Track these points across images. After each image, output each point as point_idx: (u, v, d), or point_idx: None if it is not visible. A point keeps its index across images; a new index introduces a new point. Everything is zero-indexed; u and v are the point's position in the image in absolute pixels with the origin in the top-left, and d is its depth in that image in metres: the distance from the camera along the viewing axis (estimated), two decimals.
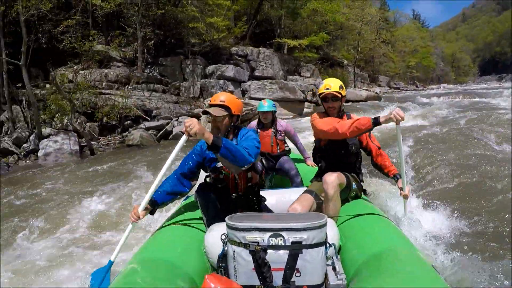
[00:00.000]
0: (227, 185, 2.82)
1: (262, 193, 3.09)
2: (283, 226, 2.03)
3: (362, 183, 3.23)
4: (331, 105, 3.09)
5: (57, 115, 11.11)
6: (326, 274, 2.12)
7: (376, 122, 2.69)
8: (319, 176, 3.18)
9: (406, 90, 42.97)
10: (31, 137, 10.60)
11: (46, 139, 10.33)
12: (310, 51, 24.69)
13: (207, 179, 2.95)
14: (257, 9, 21.67)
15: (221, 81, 16.30)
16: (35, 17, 11.86)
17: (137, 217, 2.50)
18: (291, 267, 2.00)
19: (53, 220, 5.09)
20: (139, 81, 13.87)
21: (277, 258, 2.01)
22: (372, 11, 35.65)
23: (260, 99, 15.24)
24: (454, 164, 5.91)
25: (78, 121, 10.68)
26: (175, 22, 16.21)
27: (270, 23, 24.33)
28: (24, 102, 11.41)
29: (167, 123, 11.52)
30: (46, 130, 10.76)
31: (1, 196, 6.42)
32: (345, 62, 34.43)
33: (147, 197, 2.48)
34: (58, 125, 11.13)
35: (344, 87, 3.14)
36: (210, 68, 16.97)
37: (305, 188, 3.22)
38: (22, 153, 10.25)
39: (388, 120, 2.64)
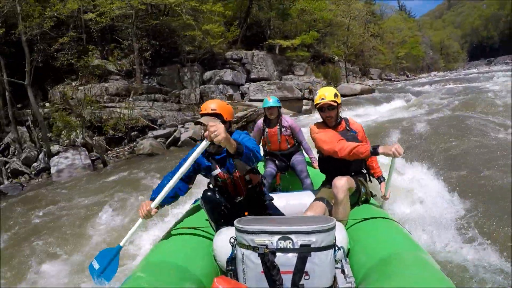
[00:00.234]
0: (227, 191, 2.86)
1: (276, 194, 3.21)
2: (291, 229, 2.05)
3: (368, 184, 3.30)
4: (328, 115, 3.15)
5: (63, 132, 11.27)
6: (335, 277, 2.15)
7: (374, 152, 2.79)
8: (327, 183, 3.24)
9: (398, 81, 43.59)
10: (40, 156, 10.83)
11: (56, 157, 10.54)
12: (301, 50, 25.11)
13: (210, 185, 3.01)
14: (247, 12, 22.08)
15: (220, 86, 16.66)
16: (38, 36, 12.13)
17: (149, 214, 2.59)
18: (300, 270, 2.02)
19: (72, 238, 5.16)
20: (142, 92, 14.16)
21: (286, 261, 2.03)
22: (358, 5, 36.37)
23: (260, 101, 15.74)
24: (454, 154, 6.15)
25: (87, 135, 10.99)
26: (169, 32, 16.53)
27: (259, 25, 24.76)
28: (30, 121, 11.70)
29: (174, 130, 11.81)
30: (54, 148, 10.98)
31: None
32: (336, 58, 34.81)
33: (160, 196, 2.56)
34: (66, 141, 11.31)
35: (339, 95, 3.19)
36: (208, 74, 17.34)
37: (314, 191, 3.38)
38: (33, 172, 10.42)
39: (386, 154, 2.74)
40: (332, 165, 3.20)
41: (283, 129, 4.46)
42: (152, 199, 2.65)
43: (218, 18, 18.25)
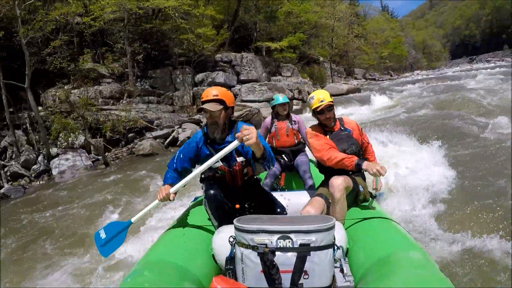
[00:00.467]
0: (225, 182, 2.94)
1: (274, 194, 3.29)
2: (291, 228, 2.09)
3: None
4: (328, 116, 3.25)
5: (61, 135, 11.57)
6: (334, 277, 2.20)
7: (358, 168, 2.96)
8: (326, 183, 3.30)
9: (382, 80, 44.58)
10: (39, 158, 11.08)
11: (55, 159, 10.87)
12: (288, 51, 25.85)
13: (204, 176, 3.04)
14: (234, 15, 22.63)
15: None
16: (39, 39, 12.40)
17: (167, 197, 2.64)
18: (299, 269, 2.06)
19: (81, 239, 5.29)
20: (140, 94, 14.58)
21: (285, 260, 2.07)
22: (343, 7, 37.40)
23: (251, 101, 16.40)
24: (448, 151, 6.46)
25: (89, 136, 11.39)
26: (160, 35, 16.95)
27: (246, 28, 25.35)
28: (27, 124, 12.03)
29: (172, 131, 12.29)
30: (52, 150, 11.27)
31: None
32: (321, 58, 35.70)
33: (182, 182, 2.63)
34: (64, 144, 11.62)
35: (331, 96, 3.38)
36: (200, 76, 17.83)
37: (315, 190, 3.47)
38: (33, 175, 10.66)
39: (369, 172, 2.92)
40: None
41: (292, 123, 4.62)
42: (170, 185, 2.73)
43: (207, 21, 18.77)
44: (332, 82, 32.40)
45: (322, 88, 26.92)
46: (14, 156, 11.51)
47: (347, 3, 45.21)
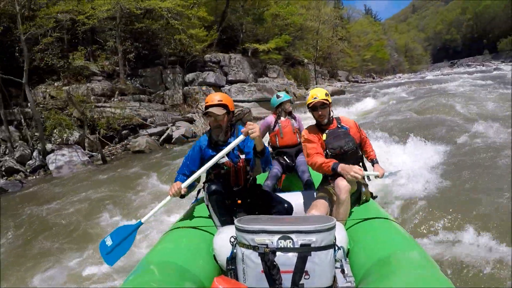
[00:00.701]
0: (228, 179, 3.10)
1: (279, 195, 3.38)
2: (292, 229, 2.12)
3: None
4: (320, 113, 3.31)
5: (55, 131, 11.88)
6: (334, 277, 2.22)
7: (334, 171, 3.04)
8: (326, 182, 3.43)
9: (365, 82, 45.71)
10: (34, 154, 11.36)
11: (51, 154, 11.16)
12: (273, 53, 26.60)
13: (206, 178, 3.24)
14: (222, 16, 23.31)
15: (204, 87, 17.77)
16: (40, 35, 12.65)
17: (178, 192, 2.82)
18: (300, 270, 2.09)
19: (82, 235, 5.40)
20: (135, 92, 15.02)
21: (286, 261, 2.10)
22: (328, 10, 38.64)
23: (241, 101, 17.08)
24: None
25: (88, 132, 11.80)
26: (151, 34, 17.41)
27: (233, 29, 26.07)
28: (22, 120, 12.35)
29: (167, 129, 12.83)
30: (47, 146, 11.52)
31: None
32: (305, 60, 36.83)
33: (193, 177, 2.83)
34: (58, 140, 11.89)
35: (329, 95, 3.41)
36: (190, 76, 18.42)
37: (315, 191, 3.55)
38: (28, 170, 10.92)
39: (343, 176, 2.98)
40: (334, 158, 3.28)
41: (295, 121, 4.67)
42: (181, 181, 2.94)
43: (195, 21, 19.26)
44: (316, 84, 33.44)
45: (306, 89, 27.92)
46: (8, 151, 11.75)
47: (332, 6, 46.59)
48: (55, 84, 14.96)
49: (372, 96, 19.68)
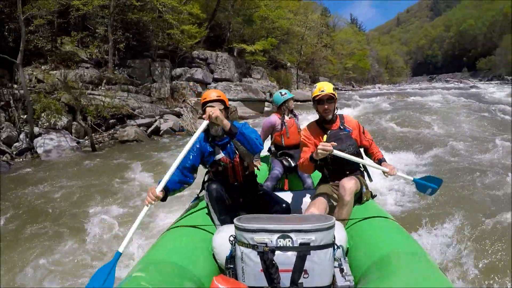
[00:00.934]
0: (226, 176, 3.16)
1: (277, 194, 3.45)
2: (291, 227, 2.15)
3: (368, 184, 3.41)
4: (326, 107, 3.23)
5: (43, 114, 11.96)
6: (333, 276, 2.26)
7: (313, 160, 3.05)
8: (325, 180, 3.43)
9: (345, 90, 47.35)
10: (21, 136, 11.42)
11: (39, 138, 11.27)
12: (259, 54, 27.37)
13: (205, 177, 3.32)
14: (213, 14, 23.97)
15: (191, 83, 18.38)
16: (40, 17, 12.92)
17: (155, 198, 2.58)
18: (299, 269, 2.12)
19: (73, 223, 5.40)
20: (127, 83, 15.39)
21: (285, 260, 2.13)
22: (315, 16, 39.83)
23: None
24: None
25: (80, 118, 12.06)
26: (143, 26, 17.83)
27: (220, 27, 26.73)
28: (11, 101, 12.49)
29: (155, 120, 13.34)
30: (34, 129, 11.57)
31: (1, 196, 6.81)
32: (288, 64, 37.90)
33: (164, 180, 2.66)
34: (45, 124, 11.96)
35: (335, 90, 3.34)
36: (178, 71, 18.96)
37: (314, 190, 3.53)
38: (15, 152, 10.96)
39: (317, 155, 2.92)
40: (329, 161, 3.29)
41: (297, 119, 4.72)
42: (164, 189, 2.77)
43: (185, 17, 19.73)
44: (298, 88, 34.48)
45: None
46: None
47: (319, 13, 47.92)
48: (42, 67, 15.00)
49: (352, 105, 20.51)
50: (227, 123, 2.73)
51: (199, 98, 16.94)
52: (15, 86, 13.77)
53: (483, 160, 7.34)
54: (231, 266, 2.37)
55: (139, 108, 14.25)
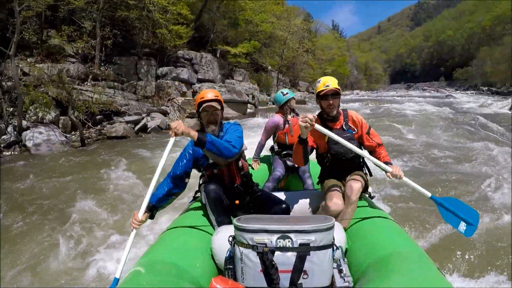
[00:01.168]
0: (223, 178, 3.17)
1: (277, 194, 3.43)
2: (291, 228, 2.18)
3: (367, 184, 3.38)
4: (331, 102, 3.16)
5: (31, 108, 12.15)
6: (332, 277, 2.28)
7: (300, 139, 2.96)
8: (326, 177, 3.42)
9: None
10: (9, 129, 11.52)
11: (28, 131, 11.42)
12: (241, 57, 28.07)
13: (200, 180, 3.33)
14: (198, 15, 24.57)
15: (177, 83, 18.94)
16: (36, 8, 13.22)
17: (139, 223, 2.65)
18: (298, 269, 2.15)
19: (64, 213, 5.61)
20: (116, 80, 15.80)
21: (284, 260, 2.16)
22: (298, 21, 41.02)
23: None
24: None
25: (53, 113, 12.36)
26: (131, 23, 18.28)
27: (204, 28, 27.29)
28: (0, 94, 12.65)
29: (142, 118, 13.87)
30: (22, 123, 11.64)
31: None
32: (269, 67, 38.83)
33: (145, 202, 2.68)
34: (33, 117, 12.13)
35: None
36: (164, 70, 19.49)
37: (315, 190, 3.65)
38: (3, 145, 11.07)
39: (301, 129, 2.87)
40: (329, 159, 3.33)
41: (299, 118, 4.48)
42: (150, 208, 2.85)
43: (171, 17, 20.19)
44: (277, 91, 35.19)
45: (268, 95, 29.71)
46: None
47: (302, 19, 49.17)
48: (28, 60, 15.08)
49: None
50: (194, 134, 2.66)
51: (186, 98, 17.63)
52: (0, 77, 14.03)
53: (462, 163, 7.97)
54: (230, 266, 2.40)
55: (126, 105, 14.70)
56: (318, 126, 2.83)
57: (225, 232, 2.55)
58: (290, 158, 4.48)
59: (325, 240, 2.20)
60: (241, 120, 17.13)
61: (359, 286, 2.24)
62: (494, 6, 76.90)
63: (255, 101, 22.09)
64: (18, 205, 6.13)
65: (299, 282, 2.18)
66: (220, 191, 2.96)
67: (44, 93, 12.43)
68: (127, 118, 13.78)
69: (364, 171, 3.40)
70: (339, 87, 3.21)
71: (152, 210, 2.87)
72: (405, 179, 2.91)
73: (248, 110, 20.13)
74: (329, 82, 3.17)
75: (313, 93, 48.63)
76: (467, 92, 60.32)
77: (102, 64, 17.54)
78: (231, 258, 2.39)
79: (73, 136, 12.59)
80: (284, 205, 3.08)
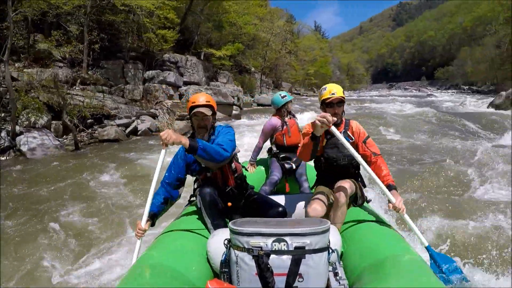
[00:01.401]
0: (216, 181, 3.20)
1: (274, 197, 3.47)
2: (286, 231, 2.22)
3: (364, 189, 3.38)
4: (337, 111, 3.20)
5: (23, 113, 12.38)
6: (328, 280, 2.33)
7: (312, 135, 2.91)
8: (322, 180, 3.47)
9: (306, 96, 49.80)
10: (2, 134, 11.79)
11: (21, 136, 11.68)
12: (225, 59, 28.67)
13: (195, 184, 3.37)
14: (183, 19, 25.17)
15: (164, 86, 19.55)
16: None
17: (143, 231, 2.80)
18: (294, 272, 2.20)
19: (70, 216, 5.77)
20: (106, 84, 16.21)
21: (280, 263, 2.20)
22: (280, 23, 41.94)
23: None
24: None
25: (45, 117, 12.78)
26: (117, 28, 18.78)
27: (188, 31, 27.88)
28: None
29: (133, 121, 14.44)
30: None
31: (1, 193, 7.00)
32: (253, 69, 39.66)
33: (146, 210, 2.79)
34: (25, 122, 12.34)
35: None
36: (151, 73, 20.09)
37: (311, 194, 3.52)
38: None
39: (315, 127, 2.81)
40: (324, 163, 3.36)
41: (298, 120, 4.89)
42: (151, 216, 2.98)
43: (158, 20, 20.66)
44: (261, 92, 36.13)
45: (252, 97, 30.53)
46: None
47: (285, 20, 50.15)
48: (16, 65, 15.26)
49: (314, 109, 21.99)
50: (185, 142, 2.67)
51: (174, 101, 18.30)
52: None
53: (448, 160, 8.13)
54: (226, 270, 2.43)
55: (116, 109, 15.26)
56: (333, 128, 2.85)
57: (220, 236, 2.61)
58: (288, 161, 4.59)
59: (321, 243, 2.24)
60: (227, 122, 17.67)
61: None
62: (475, 7, 79.03)
63: (240, 103, 22.81)
64: (14, 208, 6.26)
65: (295, 285, 2.22)
66: (215, 194, 3.01)
67: (36, 98, 12.81)
68: (118, 121, 14.32)
69: (357, 177, 3.41)
70: (344, 95, 3.25)
71: (153, 218, 3.00)
72: (406, 216, 2.96)
73: (234, 112, 20.75)
74: (334, 90, 3.21)
75: (296, 93, 50.29)
76: (448, 91, 62.10)
77: (90, 68, 17.96)
78: (226, 261, 2.43)
79: (65, 140, 12.95)
80: (280, 209, 3.12)
